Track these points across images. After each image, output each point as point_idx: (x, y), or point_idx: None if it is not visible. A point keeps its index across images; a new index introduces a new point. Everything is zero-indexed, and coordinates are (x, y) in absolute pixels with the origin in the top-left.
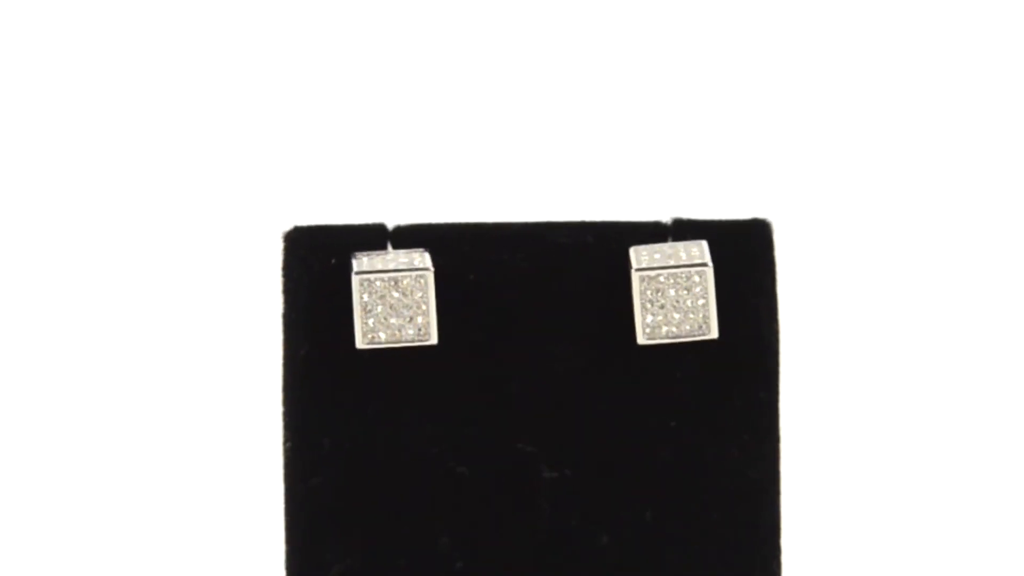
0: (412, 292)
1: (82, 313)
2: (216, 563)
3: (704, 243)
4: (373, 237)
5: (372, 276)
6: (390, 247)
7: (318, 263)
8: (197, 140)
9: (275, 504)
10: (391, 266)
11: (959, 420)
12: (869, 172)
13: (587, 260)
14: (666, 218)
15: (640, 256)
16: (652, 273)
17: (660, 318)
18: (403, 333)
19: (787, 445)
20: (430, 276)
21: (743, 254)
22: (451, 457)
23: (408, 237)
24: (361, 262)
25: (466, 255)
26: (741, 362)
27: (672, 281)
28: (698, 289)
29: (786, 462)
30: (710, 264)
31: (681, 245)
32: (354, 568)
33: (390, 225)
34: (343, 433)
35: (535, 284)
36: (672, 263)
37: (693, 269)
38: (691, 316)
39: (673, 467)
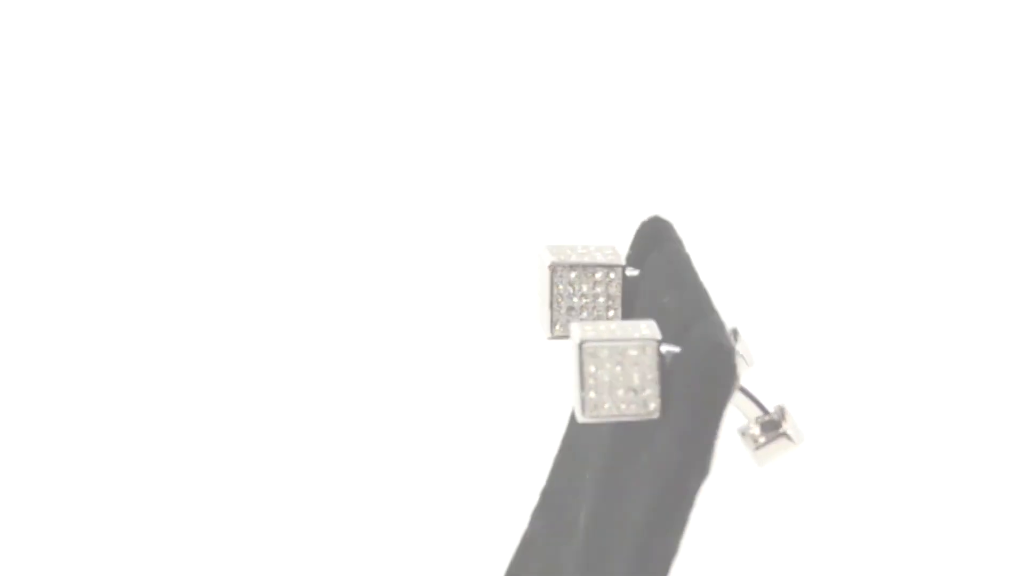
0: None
1: (408, 280)
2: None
3: (649, 333)
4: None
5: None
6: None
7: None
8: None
9: None
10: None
11: None
12: None
13: (672, 330)
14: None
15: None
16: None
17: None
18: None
19: None
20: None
21: (699, 374)
22: (587, 462)
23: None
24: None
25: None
26: (652, 480)
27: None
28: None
29: None
30: (577, 346)
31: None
32: (531, 533)
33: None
34: None
35: None
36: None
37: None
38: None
39: (607, 551)
